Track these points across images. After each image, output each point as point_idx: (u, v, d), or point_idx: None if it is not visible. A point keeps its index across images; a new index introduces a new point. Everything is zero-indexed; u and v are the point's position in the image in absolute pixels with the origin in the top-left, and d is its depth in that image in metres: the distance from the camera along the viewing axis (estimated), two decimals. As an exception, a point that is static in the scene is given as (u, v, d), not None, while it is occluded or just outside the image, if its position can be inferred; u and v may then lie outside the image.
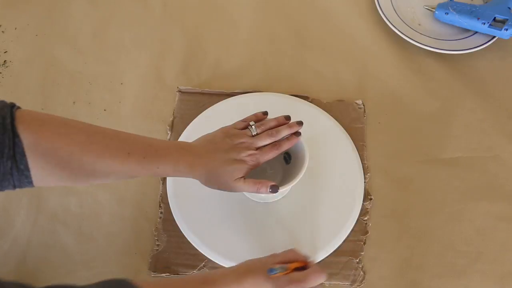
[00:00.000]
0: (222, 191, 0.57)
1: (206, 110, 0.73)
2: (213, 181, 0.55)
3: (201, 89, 0.75)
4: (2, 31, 0.82)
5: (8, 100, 0.46)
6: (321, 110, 0.73)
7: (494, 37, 0.78)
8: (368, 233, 0.65)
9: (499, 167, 0.69)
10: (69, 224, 0.66)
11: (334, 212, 0.65)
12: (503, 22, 0.76)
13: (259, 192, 0.56)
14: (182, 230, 0.65)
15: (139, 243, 0.65)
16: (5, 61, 0.79)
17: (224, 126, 0.59)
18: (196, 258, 0.63)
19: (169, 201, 0.67)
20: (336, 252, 0.63)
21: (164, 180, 0.68)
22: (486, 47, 0.77)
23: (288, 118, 0.61)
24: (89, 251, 0.64)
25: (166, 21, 0.83)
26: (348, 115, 0.73)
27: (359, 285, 0.62)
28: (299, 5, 0.85)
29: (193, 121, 0.72)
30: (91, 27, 0.83)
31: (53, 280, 0.63)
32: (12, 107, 0.45)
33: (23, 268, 0.63)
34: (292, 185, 0.59)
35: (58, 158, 0.46)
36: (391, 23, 0.79)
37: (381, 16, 0.81)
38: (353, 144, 0.70)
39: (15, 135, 0.43)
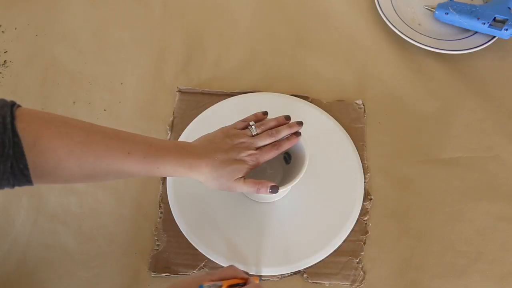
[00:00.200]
0: (222, 191, 0.57)
1: (206, 110, 0.73)
2: (213, 181, 0.55)
3: (201, 89, 0.75)
4: (2, 31, 0.82)
5: (8, 100, 0.46)
6: (321, 110, 0.73)
7: (494, 37, 0.78)
8: (368, 233, 0.65)
9: (499, 167, 0.69)
10: (69, 224, 0.66)
11: (334, 212, 0.65)
12: (503, 22, 0.76)
13: (259, 192, 0.56)
14: (182, 230, 0.65)
15: (139, 243, 0.65)
16: (5, 61, 0.79)
17: (224, 126, 0.59)
18: (196, 258, 0.63)
19: (169, 201, 0.67)
20: (336, 252, 0.63)
21: (164, 180, 0.69)
22: (486, 47, 0.77)
23: (288, 118, 0.61)
24: (89, 251, 0.64)
25: (166, 21, 0.83)
26: (348, 115, 0.73)
27: (359, 285, 0.62)
28: (299, 5, 0.85)
29: (193, 121, 0.72)
30: (91, 27, 0.83)
31: (53, 280, 0.63)
32: (13, 105, 0.45)
33: (23, 268, 0.63)
34: (292, 185, 0.59)
35: (58, 157, 0.46)
36: (391, 23, 0.79)
37: (381, 16, 0.81)
38: (353, 144, 0.70)
39: (14, 134, 0.43)
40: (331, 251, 0.63)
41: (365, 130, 0.72)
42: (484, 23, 0.76)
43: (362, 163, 0.69)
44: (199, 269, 0.63)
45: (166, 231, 0.65)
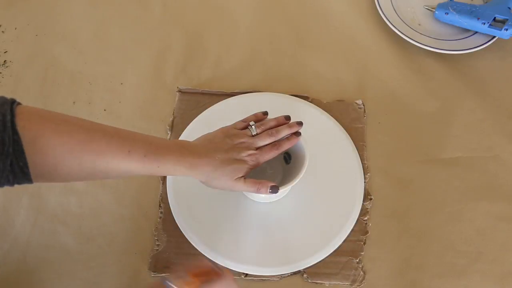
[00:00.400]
0: (222, 191, 0.57)
1: (206, 110, 0.73)
2: (213, 180, 0.55)
3: (201, 89, 0.75)
4: (2, 31, 0.82)
5: (9, 97, 0.46)
6: (321, 110, 0.73)
7: (494, 37, 0.78)
8: (368, 233, 0.65)
9: (499, 167, 0.69)
10: (69, 224, 0.66)
11: (334, 212, 0.65)
12: (503, 22, 0.76)
13: (259, 192, 0.56)
14: (182, 230, 0.65)
15: (139, 243, 0.65)
16: (5, 61, 0.79)
17: (224, 126, 0.59)
18: (196, 258, 0.63)
19: (169, 201, 0.67)
20: (336, 252, 0.63)
21: (164, 180, 0.68)
22: (486, 47, 0.77)
23: (288, 118, 0.61)
24: (89, 251, 0.64)
25: (166, 21, 0.83)
26: (348, 115, 0.73)
27: (359, 285, 0.62)
28: (299, 5, 0.85)
29: (193, 121, 0.72)
30: (91, 27, 0.83)
31: (53, 279, 0.63)
32: (13, 103, 0.45)
33: (23, 268, 0.63)
34: (292, 185, 0.59)
35: (57, 155, 0.46)
36: (391, 23, 0.79)
37: (381, 16, 0.81)
38: (353, 144, 0.70)
39: (14, 132, 0.43)
40: (331, 251, 0.63)
41: (365, 130, 0.72)
42: (484, 23, 0.76)
43: (362, 163, 0.69)
44: (199, 269, 0.63)
45: (166, 231, 0.65)
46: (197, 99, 0.74)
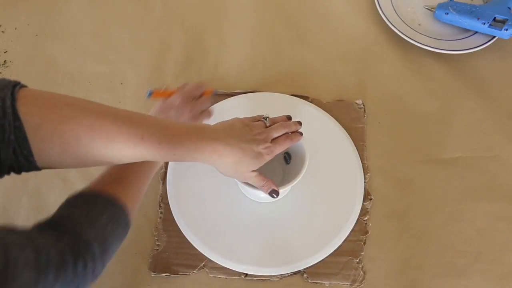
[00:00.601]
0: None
1: (206, 110, 0.73)
2: (230, 169, 0.54)
3: (201, 89, 0.75)
4: (2, 31, 0.82)
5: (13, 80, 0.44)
6: (321, 110, 0.73)
7: (494, 37, 0.78)
8: (368, 233, 0.65)
9: (499, 167, 0.69)
10: (69, 224, 0.66)
11: (334, 212, 0.65)
12: (503, 22, 0.76)
13: (261, 189, 0.56)
14: (182, 230, 0.65)
15: (139, 243, 0.65)
16: (5, 61, 0.79)
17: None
18: (196, 258, 0.63)
19: (169, 201, 0.67)
20: (336, 252, 0.63)
21: (164, 180, 0.68)
22: (486, 47, 0.77)
23: (289, 118, 0.61)
24: (89, 251, 0.64)
25: (166, 21, 0.83)
26: (348, 115, 0.73)
27: (359, 285, 0.62)
28: (299, 5, 0.85)
29: (193, 121, 0.72)
30: (91, 27, 0.83)
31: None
32: (15, 86, 0.41)
33: (23, 268, 0.63)
34: (292, 185, 0.59)
35: (64, 143, 0.42)
36: (391, 23, 0.79)
37: (381, 16, 0.81)
38: (353, 144, 0.70)
39: (15, 118, 0.40)
40: (331, 251, 0.63)
41: (365, 130, 0.72)
42: (484, 23, 0.76)
43: (362, 163, 0.69)
44: (199, 269, 0.63)
45: (166, 231, 0.65)
46: (197, 99, 0.74)
